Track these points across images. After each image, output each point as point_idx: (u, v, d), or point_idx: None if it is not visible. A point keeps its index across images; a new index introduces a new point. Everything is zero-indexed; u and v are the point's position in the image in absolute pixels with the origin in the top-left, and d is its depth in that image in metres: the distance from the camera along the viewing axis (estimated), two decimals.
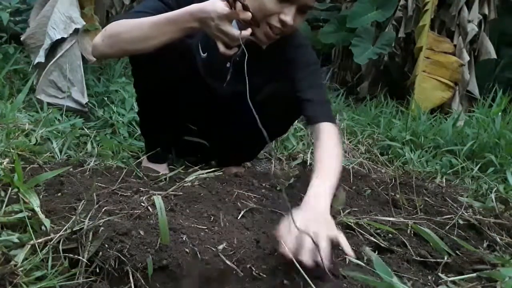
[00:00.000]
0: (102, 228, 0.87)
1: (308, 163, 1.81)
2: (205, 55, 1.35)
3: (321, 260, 0.83)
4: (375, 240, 1.07)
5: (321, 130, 1.23)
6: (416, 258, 1.01)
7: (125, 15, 1.22)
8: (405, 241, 1.08)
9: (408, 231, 1.13)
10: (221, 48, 1.11)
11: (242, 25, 1.11)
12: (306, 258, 0.83)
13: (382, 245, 1.06)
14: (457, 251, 1.07)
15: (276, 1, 1.18)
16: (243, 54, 1.06)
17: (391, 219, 1.18)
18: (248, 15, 1.08)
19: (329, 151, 1.18)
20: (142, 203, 1.03)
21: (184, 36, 1.15)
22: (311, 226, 0.89)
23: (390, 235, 1.10)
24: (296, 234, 0.87)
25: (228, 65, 1.38)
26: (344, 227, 1.11)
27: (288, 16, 1.19)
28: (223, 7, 1.05)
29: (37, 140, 1.51)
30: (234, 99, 1.28)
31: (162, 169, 1.47)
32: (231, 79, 1.39)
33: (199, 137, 1.49)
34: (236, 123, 1.43)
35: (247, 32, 1.09)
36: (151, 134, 1.51)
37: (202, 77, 1.37)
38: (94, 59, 2.28)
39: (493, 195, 1.41)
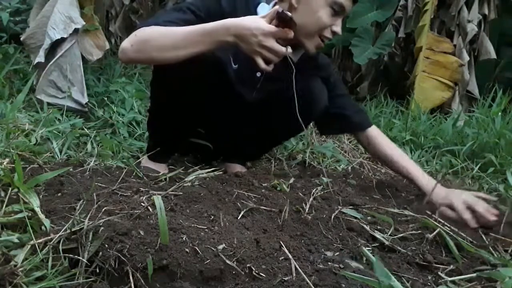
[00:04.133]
0: (102, 228, 0.87)
1: (308, 163, 1.81)
2: (236, 66, 1.39)
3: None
4: (379, 237, 1.07)
5: (374, 134, 1.55)
6: (420, 262, 1.01)
7: (154, 22, 1.20)
8: (407, 241, 1.08)
9: (411, 232, 1.13)
10: (262, 64, 1.13)
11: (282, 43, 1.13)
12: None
13: (386, 243, 1.06)
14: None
15: (330, 15, 1.29)
16: (291, 68, 1.15)
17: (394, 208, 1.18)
18: (292, 34, 1.10)
19: (397, 149, 1.54)
20: (142, 203, 1.03)
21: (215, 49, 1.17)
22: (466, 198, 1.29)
23: (392, 236, 1.09)
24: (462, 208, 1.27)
25: (258, 74, 1.43)
26: (346, 226, 1.11)
27: (339, 26, 1.31)
28: (268, 25, 1.08)
29: (37, 140, 1.51)
30: (260, 104, 1.44)
31: (162, 169, 1.47)
32: (261, 87, 1.44)
33: (211, 137, 1.52)
34: (253, 125, 1.52)
35: (290, 49, 1.13)
36: (161, 133, 1.50)
37: (233, 86, 1.41)
38: (94, 58, 2.28)
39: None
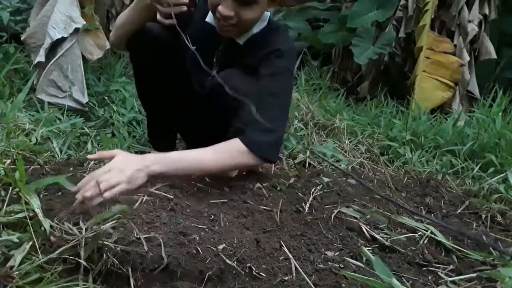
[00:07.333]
0: (102, 228, 0.87)
1: (308, 163, 1.81)
2: (194, 47, 1.37)
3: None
4: (379, 237, 1.07)
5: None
6: (420, 262, 1.01)
7: None
8: (407, 241, 1.08)
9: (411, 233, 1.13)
10: (158, 15, 1.25)
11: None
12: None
13: (386, 243, 1.06)
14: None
15: None
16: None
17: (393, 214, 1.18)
18: None
19: (216, 147, 1.20)
20: (142, 203, 1.03)
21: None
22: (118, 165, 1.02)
23: (391, 237, 1.10)
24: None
25: (214, 59, 1.42)
26: (346, 226, 1.11)
27: (223, 7, 1.23)
28: None
29: (37, 140, 1.51)
30: (217, 90, 1.26)
31: None
32: (217, 72, 1.39)
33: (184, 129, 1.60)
34: (216, 116, 1.40)
35: (185, 0, 1.20)
36: (152, 126, 1.63)
37: (192, 69, 1.42)
38: (94, 58, 2.28)
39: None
